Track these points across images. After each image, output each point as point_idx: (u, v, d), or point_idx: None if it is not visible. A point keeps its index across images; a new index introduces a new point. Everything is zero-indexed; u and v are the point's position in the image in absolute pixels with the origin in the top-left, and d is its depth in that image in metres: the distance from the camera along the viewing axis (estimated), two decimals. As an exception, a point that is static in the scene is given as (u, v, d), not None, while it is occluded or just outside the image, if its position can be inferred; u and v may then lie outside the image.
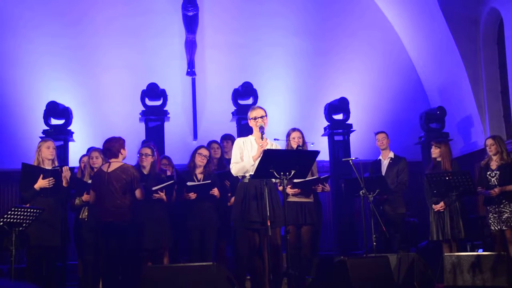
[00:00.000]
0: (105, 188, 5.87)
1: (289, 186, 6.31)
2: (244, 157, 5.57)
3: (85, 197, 6.45)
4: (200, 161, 6.75)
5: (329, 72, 10.31)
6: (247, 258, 5.59)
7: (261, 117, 5.60)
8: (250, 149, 5.60)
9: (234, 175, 5.74)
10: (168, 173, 6.88)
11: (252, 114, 5.66)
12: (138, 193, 5.97)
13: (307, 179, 6.25)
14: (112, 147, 5.97)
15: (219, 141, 7.66)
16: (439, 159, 7.19)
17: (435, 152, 7.22)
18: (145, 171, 6.57)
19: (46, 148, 6.28)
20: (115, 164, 5.95)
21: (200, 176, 6.77)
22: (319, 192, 6.83)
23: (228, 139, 7.76)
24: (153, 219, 6.40)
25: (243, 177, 5.58)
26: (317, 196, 6.85)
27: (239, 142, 5.71)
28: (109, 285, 5.88)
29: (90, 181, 6.39)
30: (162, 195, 6.47)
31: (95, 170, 6.52)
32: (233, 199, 6.74)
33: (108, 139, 6.04)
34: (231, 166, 5.65)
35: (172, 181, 6.55)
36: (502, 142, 7.04)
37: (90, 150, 7.55)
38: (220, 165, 7.20)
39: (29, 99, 9.63)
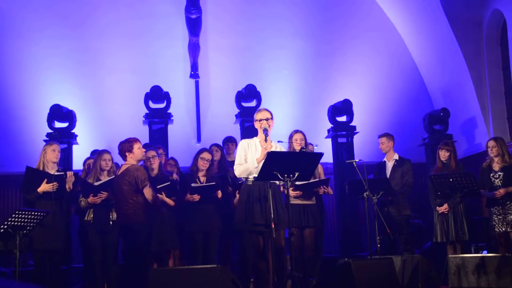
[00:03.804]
0: (115, 190, 5.91)
1: (291, 189, 6.28)
2: (248, 159, 5.57)
3: (90, 199, 6.45)
4: (203, 165, 6.75)
5: (332, 74, 10.31)
6: (251, 260, 5.58)
7: (266, 119, 5.58)
8: (254, 151, 5.59)
9: (238, 177, 5.74)
10: (175, 176, 6.86)
11: (257, 116, 5.65)
12: (145, 193, 5.84)
13: (309, 181, 6.24)
14: (119, 150, 5.98)
15: (221, 143, 7.65)
16: (446, 160, 7.19)
17: (446, 155, 7.19)
18: (153, 174, 6.57)
19: (51, 151, 6.28)
20: (124, 166, 5.95)
21: (203, 179, 6.76)
22: (323, 195, 6.83)
23: (231, 141, 7.76)
24: (158, 221, 6.39)
25: (247, 179, 5.58)
26: (320, 198, 6.84)
27: (243, 143, 5.71)
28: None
29: (96, 183, 6.39)
30: (168, 200, 6.47)
31: (105, 172, 6.53)
32: (237, 199, 6.77)
33: (120, 142, 6.04)
34: (234, 167, 5.64)
35: (169, 183, 6.50)
36: (504, 144, 7.01)
37: (94, 153, 7.57)
38: (221, 168, 7.18)
39: (33, 102, 9.65)
